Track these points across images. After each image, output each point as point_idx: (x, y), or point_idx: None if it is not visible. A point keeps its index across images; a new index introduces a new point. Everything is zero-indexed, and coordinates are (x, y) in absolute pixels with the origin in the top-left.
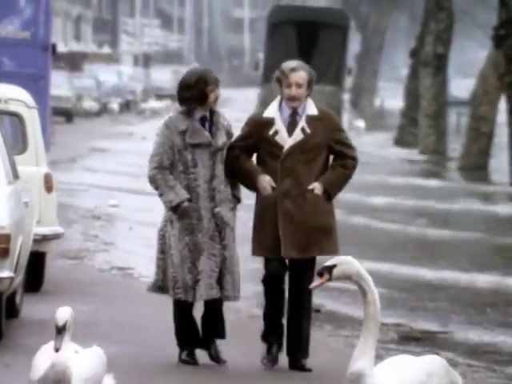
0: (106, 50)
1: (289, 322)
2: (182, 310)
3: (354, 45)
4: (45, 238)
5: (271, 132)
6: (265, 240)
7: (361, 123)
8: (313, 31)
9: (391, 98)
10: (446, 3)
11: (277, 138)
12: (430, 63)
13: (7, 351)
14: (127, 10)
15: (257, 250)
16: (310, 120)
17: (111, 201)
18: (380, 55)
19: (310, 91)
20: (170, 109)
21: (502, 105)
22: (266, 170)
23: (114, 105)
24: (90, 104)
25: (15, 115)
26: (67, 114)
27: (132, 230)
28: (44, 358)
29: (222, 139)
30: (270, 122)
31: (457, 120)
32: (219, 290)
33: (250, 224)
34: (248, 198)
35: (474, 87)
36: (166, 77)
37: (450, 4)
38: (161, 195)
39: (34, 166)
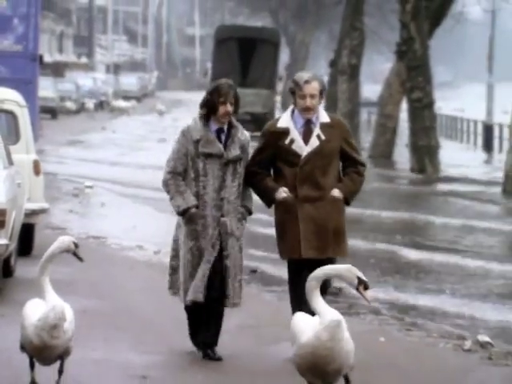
0: (84, 60)
1: None
2: (191, 312)
3: (284, 56)
4: (34, 213)
5: (287, 141)
6: (287, 243)
7: None
8: (251, 46)
9: None
10: (358, 24)
11: (293, 147)
12: (346, 72)
13: (3, 304)
14: (101, 28)
15: (283, 254)
16: (324, 127)
17: (87, 182)
18: (305, 65)
19: (321, 100)
20: (135, 108)
21: (404, 105)
22: (284, 177)
23: (90, 104)
24: (70, 104)
25: (9, 113)
26: (52, 112)
27: (104, 206)
28: (34, 308)
29: (234, 152)
30: (284, 132)
31: (368, 117)
32: (204, 296)
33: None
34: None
35: (381, 91)
36: (132, 82)
37: (361, 25)
38: (171, 199)
39: (24, 154)
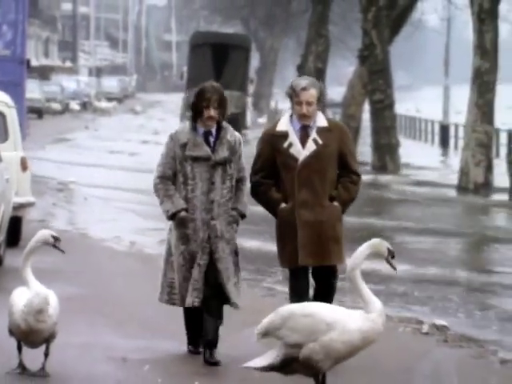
0: (68, 64)
1: None
2: (189, 315)
3: (255, 61)
4: (21, 206)
5: (285, 145)
6: (287, 251)
7: (263, 119)
8: (224, 51)
9: (283, 101)
10: (323, 31)
11: (291, 150)
12: (312, 75)
13: None
14: (84, 34)
15: (282, 262)
16: (321, 131)
17: (70, 178)
18: (274, 69)
19: (320, 106)
20: (116, 108)
21: (366, 106)
22: (283, 181)
23: (74, 105)
24: (55, 105)
25: None
26: (38, 112)
27: (86, 200)
28: (20, 295)
29: (222, 154)
30: (283, 136)
31: (332, 118)
32: (200, 300)
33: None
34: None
35: (344, 93)
36: (113, 84)
37: (326, 32)
38: (161, 204)
39: (13, 151)
